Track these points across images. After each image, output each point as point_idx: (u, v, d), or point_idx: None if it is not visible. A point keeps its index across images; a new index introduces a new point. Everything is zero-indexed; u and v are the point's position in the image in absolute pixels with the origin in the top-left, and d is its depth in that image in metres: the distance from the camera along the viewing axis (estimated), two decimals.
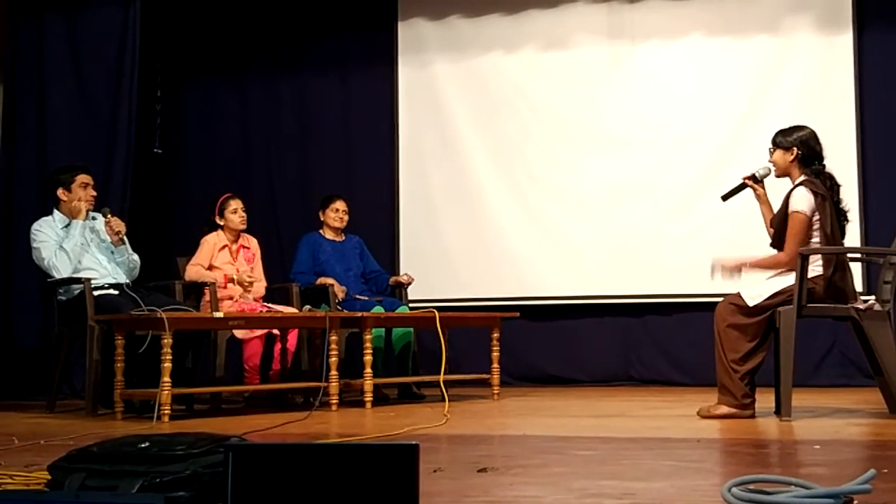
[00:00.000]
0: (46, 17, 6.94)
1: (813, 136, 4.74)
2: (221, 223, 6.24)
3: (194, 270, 6.09)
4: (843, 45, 7.07)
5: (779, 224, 4.70)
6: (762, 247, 4.86)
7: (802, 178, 4.68)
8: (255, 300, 6.16)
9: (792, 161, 4.72)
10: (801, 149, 4.71)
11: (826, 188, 4.64)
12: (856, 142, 6.97)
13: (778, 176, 4.83)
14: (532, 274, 7.51)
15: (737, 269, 4.69)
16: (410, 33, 7.92)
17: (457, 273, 7.61)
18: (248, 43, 8.20)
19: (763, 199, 4.93)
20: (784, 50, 7.19)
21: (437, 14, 7.90)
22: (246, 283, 6.11)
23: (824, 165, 4.73)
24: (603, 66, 7.53)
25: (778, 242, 4.71)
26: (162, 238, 7.86)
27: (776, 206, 4.80)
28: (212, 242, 6.19)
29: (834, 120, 6.76)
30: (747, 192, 4.99)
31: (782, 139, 4.76)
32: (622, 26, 7.50)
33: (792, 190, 4.68)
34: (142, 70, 7.10)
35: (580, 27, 7.58)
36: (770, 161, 4.81)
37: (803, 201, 4.60)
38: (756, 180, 4.92)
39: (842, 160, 6.25)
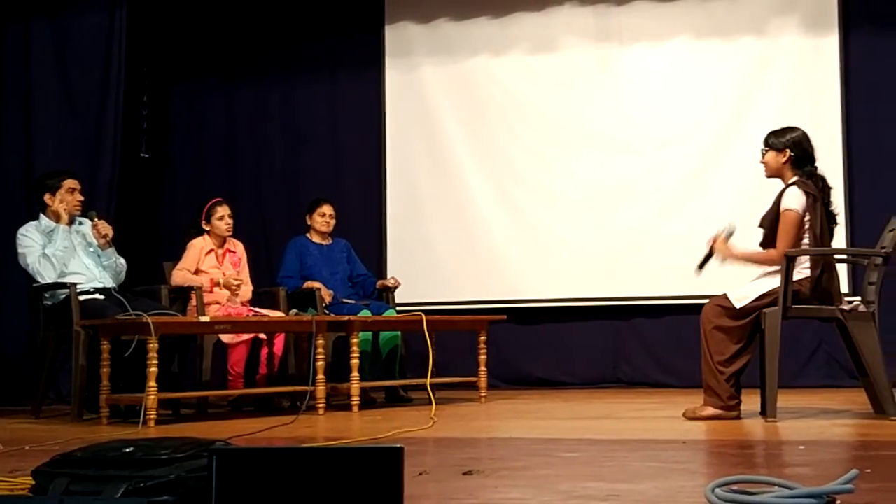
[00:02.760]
0: (33, 22, 6.93)
1: (805, 138, 4.76)
2: (207, 228, 6.22)
3: (180, 275, 6.08)
4: (829, 47, 7.10)
5: (769, 223, 4.71)
6: (751, 248, 4.87)
7: (795, 178, 4.70)
8: (242, 304, 6.15)
9: (784, 162, 4.73)
10: (794, 150, 4.72)
11: (818, 189, 4.66)
12: (842, 143, 6.99)
13: (769, 176, 4.84)
14: (519, 277, 7.52)
15: (730, 256, 4.68)
16: (397, 36, 7.93)
17: (444, 276, 7.62)
18: (235, 47, 8.19)
19: (736, 255, 4.81)
20: (770, 52, 7.22)
21: (424, 17, 7.90)
22: (233, 287, 6.10)
23: (816, 167, 4.75)
24: (590, 68, 7.55)
25: (768, 242, 4.72)
26: (148, 243, 7.83)
27: (763, 209, 4.81)
28: (198, 247, 6.18)
29: (820, 121, 6.78)
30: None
31: (775, 140, 4.77)
32: (609, 29, 7.52)
33: (784, 189, 4.69)
34: (128, 74, 7.10)
35: (567, 30, 7.60)
36: (762, 161, 4.82)
37: (796, 200, 4.62)
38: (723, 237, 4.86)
39: (828, 162, 6.23)
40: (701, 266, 4.84)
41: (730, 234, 4.79)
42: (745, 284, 4.71)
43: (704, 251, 4.82)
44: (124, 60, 6.91)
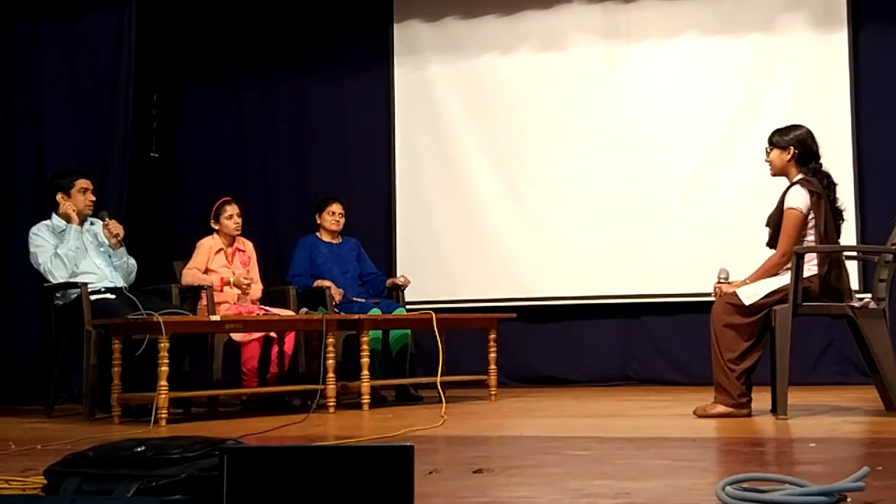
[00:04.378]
0: (42, 22, 6.95)
1: (810, 136, 4.76)
2: (216, 227, 6.24)
3: (190, 274, 6.09)
4: (838, 43, 7.08)
5: (775, 222, 4.72)
6: (758, 246, 4.87)
7: (799, 176, 4.70)
8: (252, 303, 6.17)
9: (789, 160, 4.73)
10: (798, 148, 4.72)
11: (822, 187, 4.66)
12: (852, 140, 6.97)
13: (774, 175, 4.85)
14: (529, 275, 7.51)
15: (741, 286, 4.67)
16: (406, 35, 7.93)
17: (454, 274, 7.62)
18: (244, 46, 8.21)
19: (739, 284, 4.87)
20: (779, 48, 7.20)
21: (432, 15, 7.90)
22: (243, 286, 6.11)
23: (821, 164, 4.75)
24: (598, 66, 7.54)
25: (774, 241, 4.72)
26: (158, 242, 7.86)
27: (772, 206, 4.82)
28: (207, 246, 6.19)
29: (830, 118, 6.77)
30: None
31: (779, 138, 4.78)
32: (617, 26, 7.51)
33: (788, 188, 4.70)
34: (138, 74, 7.11)
35: (575, 27, 7.59)
36: (766, 160, 4.83)
37: (799, 199, 4.62)
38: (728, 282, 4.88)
39: (838, 158, 6.25)
40: None
41: (726, 278, 4.81)
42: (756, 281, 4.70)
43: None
44: (133, 60, 6.93)
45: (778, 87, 7.16)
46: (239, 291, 6.12)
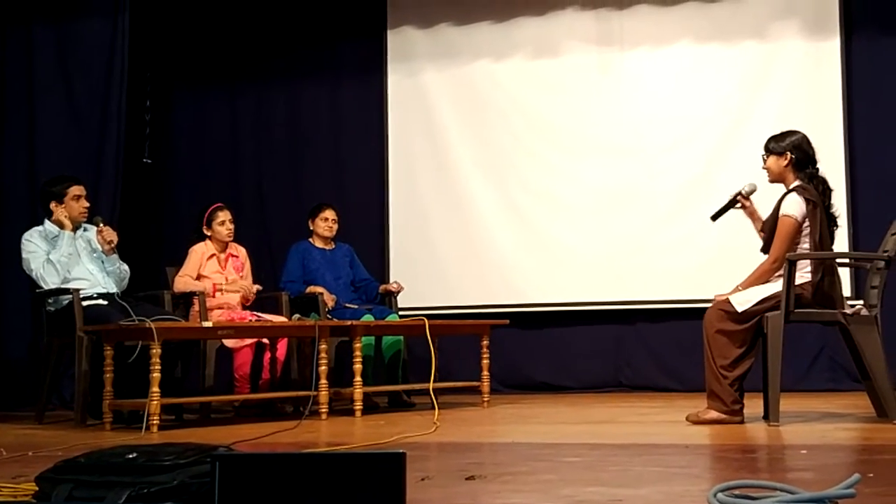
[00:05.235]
0: (35, 28, 6.94)
1: (805, 140, 4.77)
2: (208, 234, 6.23)
3: (182, 282, 6.08)
4: (830, 50, 7.11)
5: (770, 228, 4.73)
6: (752, 253, 4.89)
7: (796, 182, 4.70)
8: (244, 308, 6.16)
9: (786, 166, 4.74)
10: (795, 153, 4.73)
11: (819, 193, 4.66)
12: (844, 147, 6.99)
13: (772, 181, 4.85)
14: (522, 281, 7.52)
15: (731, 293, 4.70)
16: (400, 41, 7.94)
17: (447, 281, 7.62)
18: (238, 52, 8.21)
19: (754, 216, 4.97)
20: (772, 56, 7.23)
21: (426, 22, 7.91)
22: (251, 296, 6.15)
23: (818, 169, 4.75)
24: (592, 73, 7.55)
25: (769, 247, 4.73)
26: (151, 248, 7.85)
27: (766, 212, 4.83)
28: (199, 252, 6.19)
29: (822, 125, 6.77)
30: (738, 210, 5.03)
31: (775, 145, 4.79)
32: (611, 33, 7.53)
33: (785, 195, 4.70)
34: (131, 80, 7.10)
35: (569, 34, 7.60)
36: (764, 167, 4.84)
37: (795, 207, 4.63)
38: (744, 196, 4.96)
39: (830, 165, 6.25)
40: (715, 216, 5.02)
41: (750, 192, 4.92)
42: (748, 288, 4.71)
43: (725, 201, 4.97)
44: (127, 66, 6.92)
45: (771, 93, 7.18)
46: (240, 294, 6.13)
